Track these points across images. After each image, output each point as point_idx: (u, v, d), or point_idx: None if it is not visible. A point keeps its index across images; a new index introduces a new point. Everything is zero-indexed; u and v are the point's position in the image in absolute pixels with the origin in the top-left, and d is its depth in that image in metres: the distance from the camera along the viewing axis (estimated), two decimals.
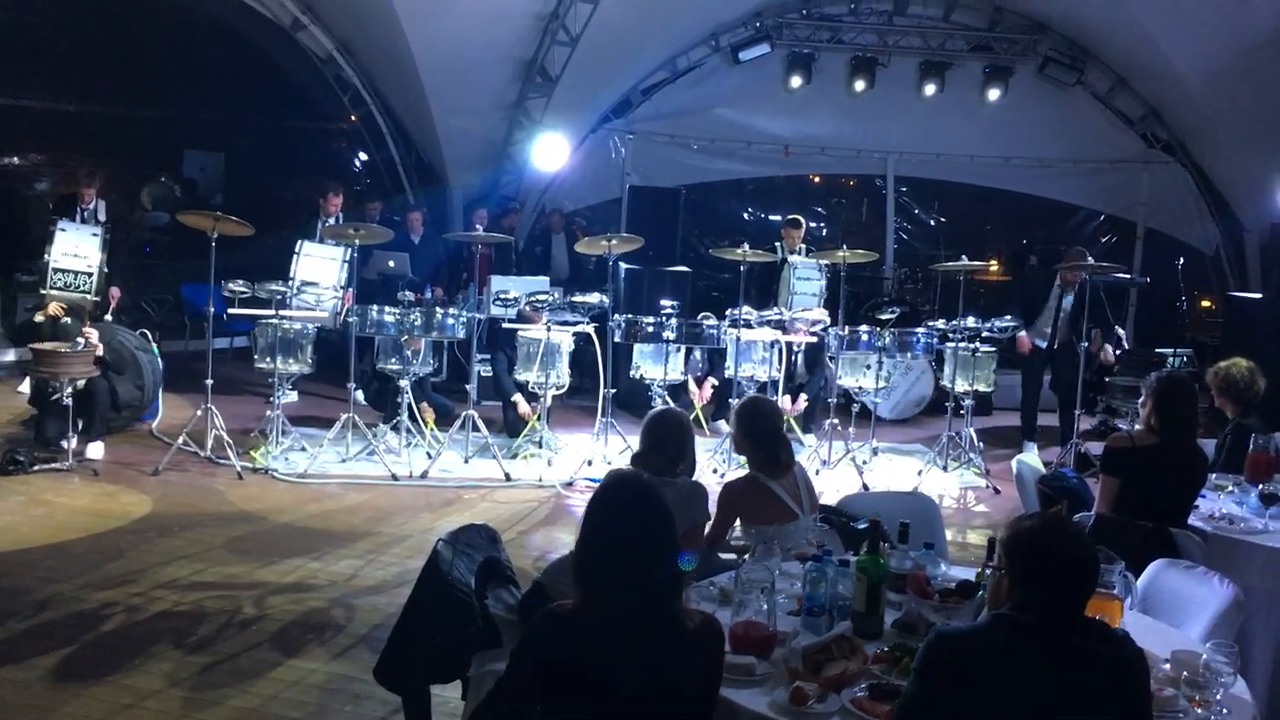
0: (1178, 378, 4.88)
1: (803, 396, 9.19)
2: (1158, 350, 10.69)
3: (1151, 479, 4.44)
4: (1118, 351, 9.99)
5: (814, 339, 9.01)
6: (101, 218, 9.18)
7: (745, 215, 14.49)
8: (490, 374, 9.37)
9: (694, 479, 4.23)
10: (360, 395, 8.51)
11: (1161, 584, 3.59)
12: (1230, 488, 4.93)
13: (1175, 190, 13.57)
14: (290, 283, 8.11)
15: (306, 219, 9.81)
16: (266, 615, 5.03)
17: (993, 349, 8.93)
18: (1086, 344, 8.91)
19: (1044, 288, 9.45)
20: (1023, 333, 9.25)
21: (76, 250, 8.42)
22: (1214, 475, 4.89)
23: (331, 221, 9.44)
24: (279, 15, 11.80)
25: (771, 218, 14.12)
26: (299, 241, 8.63)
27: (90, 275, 8.43)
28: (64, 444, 7.31)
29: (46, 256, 8.39)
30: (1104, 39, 12.85)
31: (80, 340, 7.51)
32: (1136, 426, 5.08)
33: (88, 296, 8.45)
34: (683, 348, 8.83)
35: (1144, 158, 13.59)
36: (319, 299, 8.23)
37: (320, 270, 8.48)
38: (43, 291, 8.53)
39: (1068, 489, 5.38)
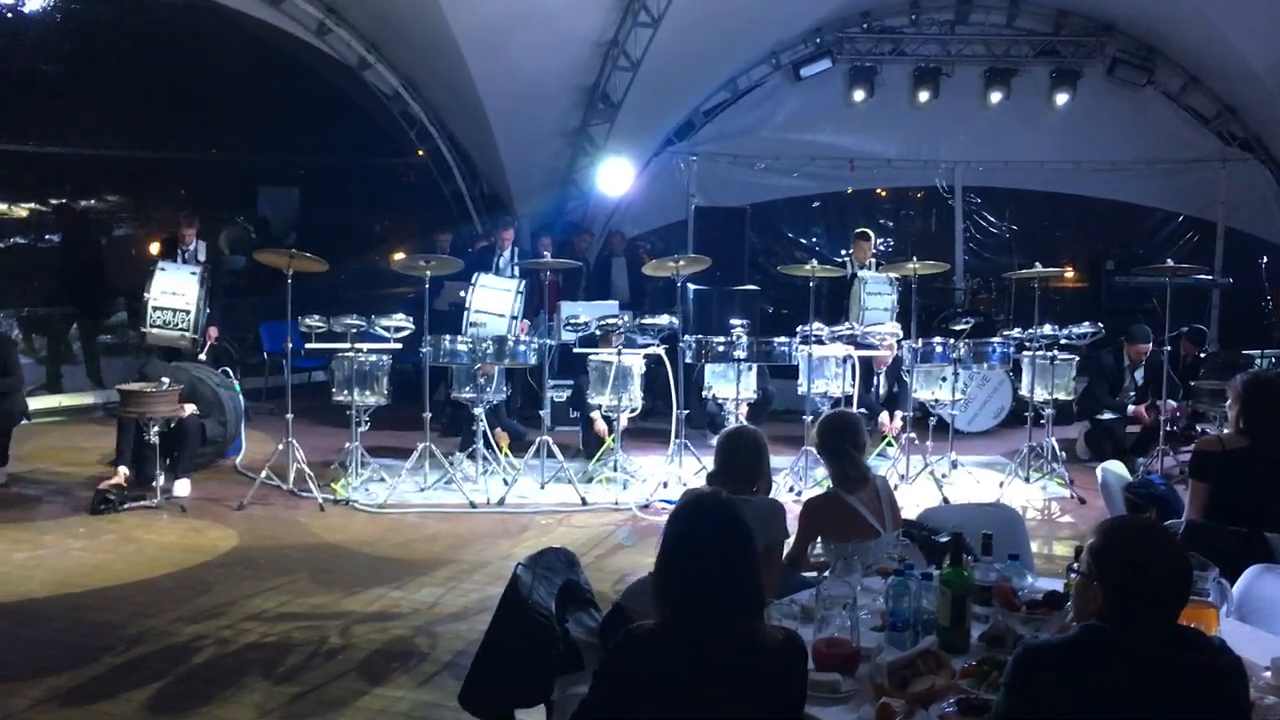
0: (1265, 377, 4.75)
1: (899, 414, 9.08)
2: (1244, 352, 10.41)
3: (1243, 483, 4.32)
4: (1202, 353, 9.80)
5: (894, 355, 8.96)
6: (201, 258, 9.39)
7: (812, 232, 14.41)
8: (563, 400, 9.42)
9: (771, 497, 4.21)
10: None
11: (1258, 590, 3.49)
12: None
13: (1254, 188, 13.26)
14: (466, 313, 8.49)
15: (482, 254, 10.00)
16: (352, 645, 5.08)
17: (1071, 356, 8.75)
18: (1170, 347, 8.72)
19: (1115, 368, 9.47)
20: (1132, 407, 9.28)
21: (175, 289, 8.67)
22: None
23: (190, 248, 9.48)
24: (345, 55, 12.05)
25: (838, 233, 14.03)
26: (475, 274, 8.87)
27: (188, 313, 8.65)
28: (154, 482, 7.48)
29: (146, 295, 8.64)
30: (1173, 37, 12.61)
31: (164, 380, 7.69)
32: (1225, 430, 4.95)
33: (185, 334, 8.67)
34: (754, 366, 8.79)
35: (1220, 156, 13.30)
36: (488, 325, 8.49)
37: (494, 301, 8.70)
38: (142, 329, 8.79)
39: (1156, 496, 5.26)
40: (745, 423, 4.66)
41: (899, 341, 8.81)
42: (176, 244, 9.49)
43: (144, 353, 9.23)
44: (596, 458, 8.59)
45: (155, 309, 8.64)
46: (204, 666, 4.83)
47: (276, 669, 4.78)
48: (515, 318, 8.65)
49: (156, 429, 7.37)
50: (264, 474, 7.76)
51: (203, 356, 8.94)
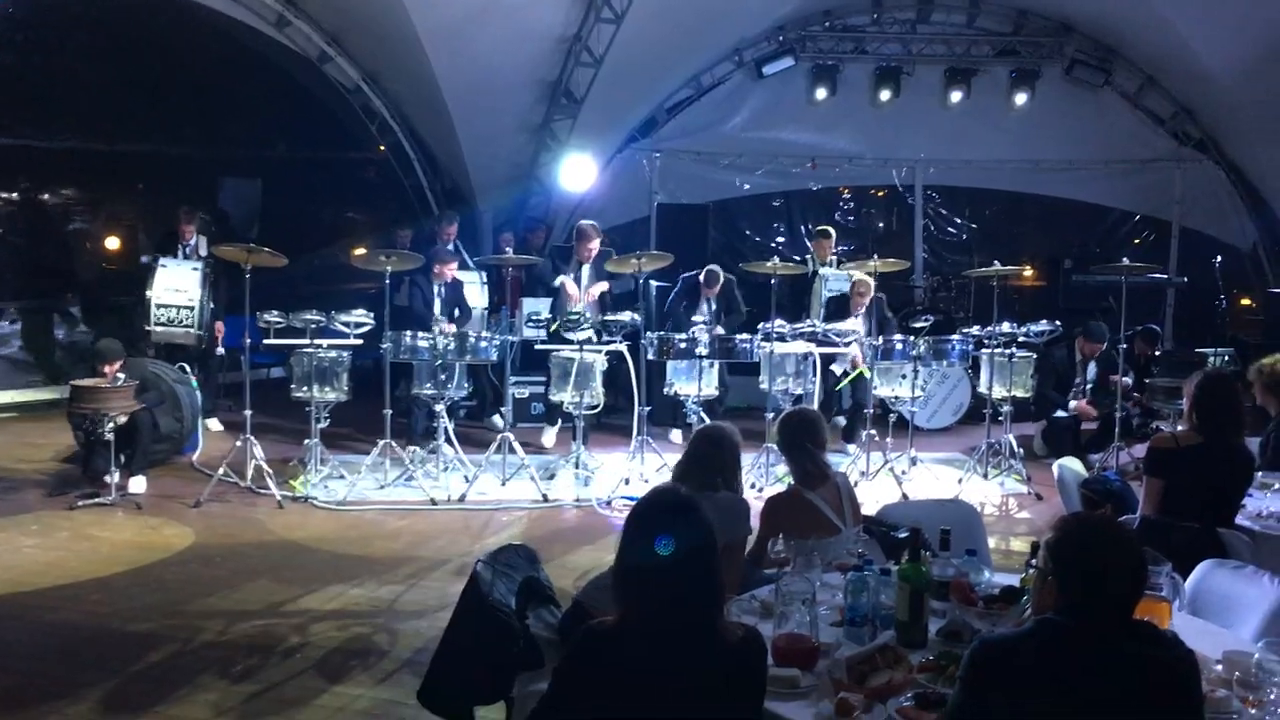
0: (1218, 375, 4.83)
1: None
2: (1198, 350, 10.58)
3: (1196, 479, 4.38)
4: (1155, 352, 9.94)
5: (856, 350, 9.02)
6: (203, 253, 9.26)
7: (774, 229, 14.45)
8: (524, 396, 9.42)
9: (737, 495, 4.21)
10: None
11: (1210, 585, 3.54)
12: (1277, 485, 4.86)
13: (1209, 188, 13.46)
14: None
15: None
16: (310, 643, 5.04)
17: (1029, 354, 8.84)
18: (1125, 345, 8.82)
19: (1067, 363, 9.57)
20: (1074, 403, 9.36)
21: (178, 285, 8.54)
22: (1260, 474, 4.82)
23: (191, 243, 9.36)
24: (306, 48, 11.94)
25: (800, 231, 14.10)
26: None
27: (192, 309, 8.55)
28: (107, 478, 7.38)
29: (149, 293, 8.49)
30: (1131, 39, 12.77)
31: (120, 376, 7.59)
32: (1180, 427, 5.02)
33: (191, 331, 8.54)
34: (717, 363, 8.81)
35: (1176, 156, 13.48)
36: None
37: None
38: (146, 328, 8.65)
39: (1111, 492, 5.33)
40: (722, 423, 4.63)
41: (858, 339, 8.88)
42: (177, 240, 9.36)
43: (143, 350, 9.10)
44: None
45: (159, 306, 8.52)
46: (159, 665, 4.77)
47: (233, 667, 4.73)
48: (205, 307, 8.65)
49: (110, 425, 7.27)
50: (221, 470, 7.67)
51: (220, 351, 8.81)
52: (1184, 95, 13.17)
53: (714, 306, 9.43)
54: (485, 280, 10.53)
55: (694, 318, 9.05)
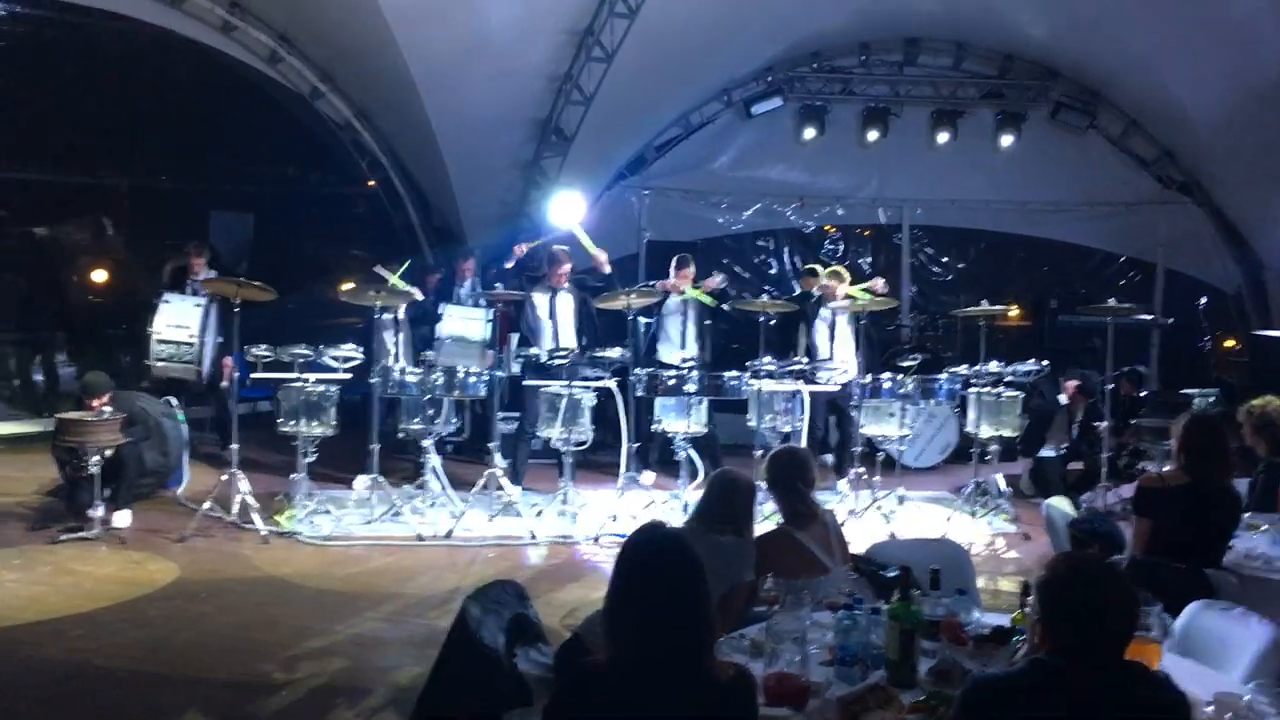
0: (1206, 417, 4.87)
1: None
2: (1183, 391, 10.62)
3: (1184, 519, 4.40)
4: (1139, 394, 10.01)
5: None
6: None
7: (762, 267, 14.51)
8: (512, 431, 9.37)
9: (743, 540, 4.18)
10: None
11: (1199, 625, 3.54)
12: (1264, 527, 4.88)
13: (1193, 230, 13.56)
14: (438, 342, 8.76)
15: (443, 285, 9.93)
16: (295, 680, 4.99)
17: (1016, 394, 8.87)
18: (1113, 386, 8.87)
19: (1052, 406, 9.63)
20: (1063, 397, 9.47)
21: (180, 321, 8.53)
22: (1247, 515, 4.84)
23: (200, 278, 9.28)
24: (297, 84, 11.99)
25: (788, 269, 14.17)
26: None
27: (192, 345, 8.55)
28: (91, 513, 7.32)
29: (150, 329, 8.49)
30: (1114, 83, 12.92)
31: (106, 410, 7.54)
32: (1167, 467, 5.04)
33: (191, 366, 8.52)
34: (705, 400, 8.81)
35: (1160, 199, 13.59)
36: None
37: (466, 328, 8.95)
38: (146, 363, 8.64)
39: (1100, 532, 5.33)
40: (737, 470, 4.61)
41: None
42: (186, 274, 9.34)
43: (145, 384, 9.07)
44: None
45: (160, 342, 8.52)
46: (141, 702, 4.72)
47: (216, 705, 4.68)
48: (488, 345, 8.68)
49: (96, 459, 7.21)
50: (207, 505, 7.62)
51: (225, 383, 8.77)
52: (1167, 139, 13.32)
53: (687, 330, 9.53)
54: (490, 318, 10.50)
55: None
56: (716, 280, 9.70)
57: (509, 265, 9.57)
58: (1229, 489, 4.56)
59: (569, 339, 8.97)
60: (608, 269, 9.48)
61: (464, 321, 9.21)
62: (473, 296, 10.33)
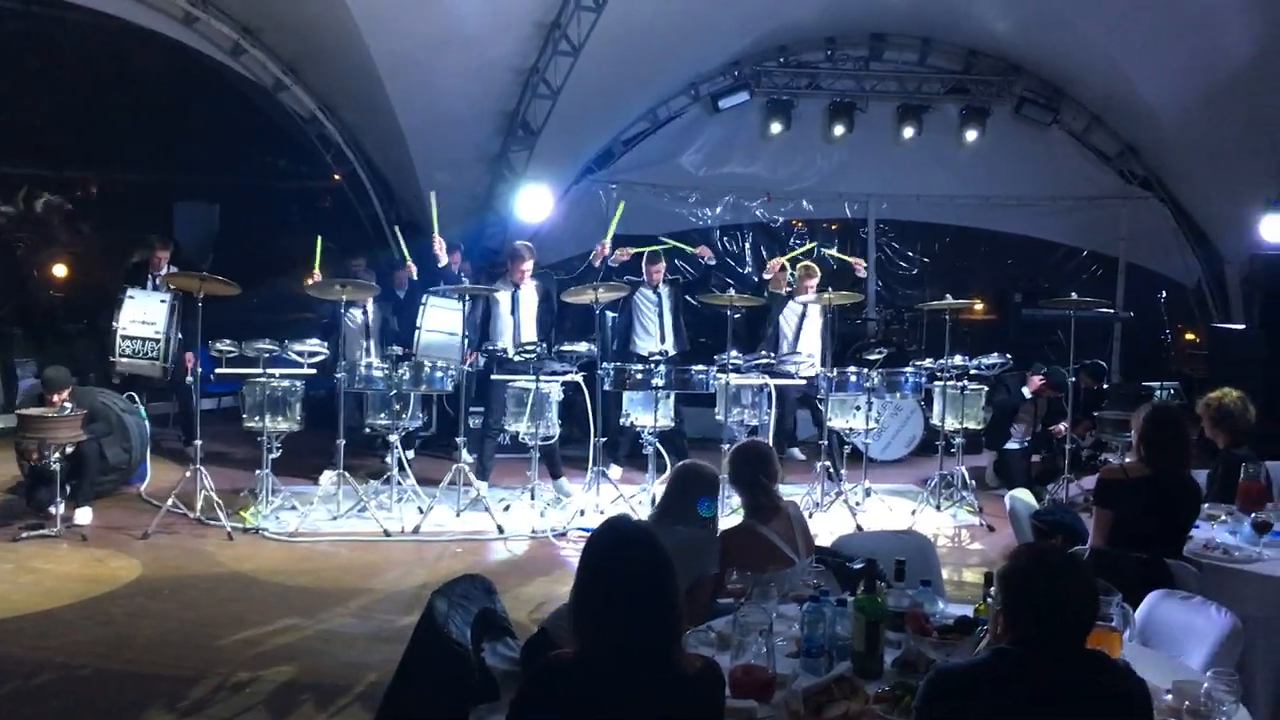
0: (1166, 408, 4.92)
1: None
2: (1144, 384, 10.75)
3: (1145, 510, 4.44)
4: (1099, 387, 10.10)
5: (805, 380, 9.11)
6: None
7: (728, 261, 14.52)
8: (478, 426, 9.36)
9: (705, 530, 4.18)
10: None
11: (1159, 615, 3.59)
12: (1223, 517, 4.95)
13: (1154, 225, 13.70)
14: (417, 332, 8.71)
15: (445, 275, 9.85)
16: (260, 676, 4.97)
17: (980, 387, 8.95)
18: (1074, 379, 8.95)
19: (1020, 397, 9.65)
20: (1027, 391, 9.49)
21: (145, 317, 8.44)
22: (1207, 505, 4.90)
23: (162, 273, 9.22)
24: (261, 77, 11.87)
25: (755, 263, 14.19)
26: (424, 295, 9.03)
27: (158, 342, 8.44)
28: (52, 510, 7.23)
29: (115, 324, 8.39)
30: (1078, 78, 13.03)
31: (68, 405, 7.46)
32: (1128, 459, 5.09)
33: (156, 363, 8.43)
34: (672, 394, 8.82)
35: (1122, 193, 13.72)
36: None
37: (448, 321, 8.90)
38: (111, 359, 8.54)
39: (1062, 523, 5.39)
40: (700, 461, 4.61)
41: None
42: (146, 269, 9.22)
43: (105, 380, 8.95)
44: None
45: (124, 338, 8.43)
46: (104, 700, 4.68)
47: (181, 702, 4.65)
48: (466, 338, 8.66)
49: (57, 455, 7.13)
50: (170, 501, 7.56)
51: (189, 379, 8.68)
52: (1130, 134, 13.45)
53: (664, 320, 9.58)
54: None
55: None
56: (707, 252, 10.48)
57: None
58: (1189, 480, 4.61)
59: (531, 334, 8.95)
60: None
61: (446, 315, 9.08)
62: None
